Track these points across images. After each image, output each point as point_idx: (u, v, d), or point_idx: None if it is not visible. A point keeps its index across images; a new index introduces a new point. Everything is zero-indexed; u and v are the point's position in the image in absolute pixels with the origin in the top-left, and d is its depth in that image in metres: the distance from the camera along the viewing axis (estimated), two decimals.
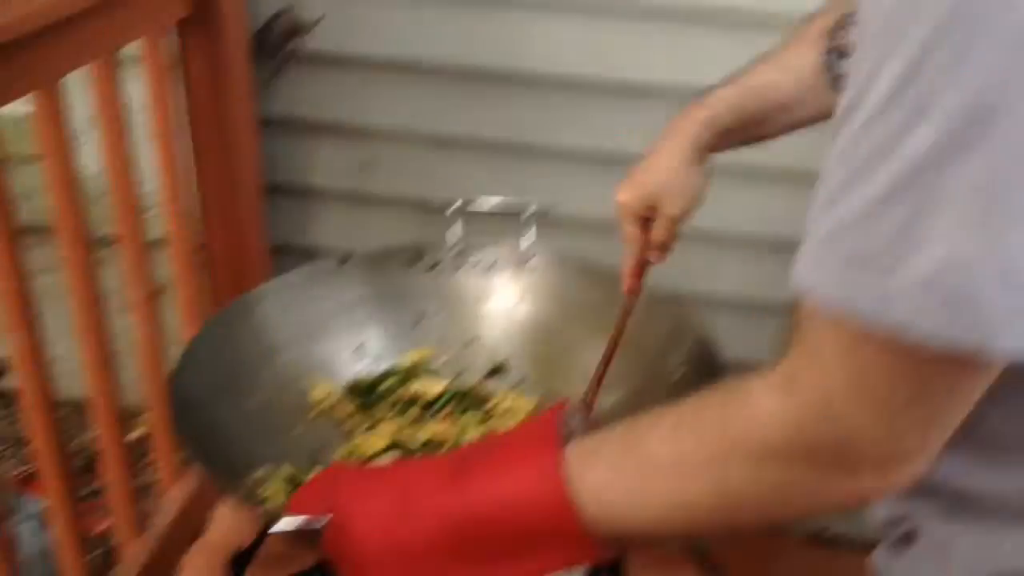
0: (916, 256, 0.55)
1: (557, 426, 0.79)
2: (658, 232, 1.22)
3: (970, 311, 0.55)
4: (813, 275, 0.61)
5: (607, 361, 1.25)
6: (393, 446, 1.32)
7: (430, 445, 1.32)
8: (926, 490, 0.79)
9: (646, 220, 1.22)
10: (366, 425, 1.36)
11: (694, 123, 1.18)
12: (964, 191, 0.53)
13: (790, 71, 1.16)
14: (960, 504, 0.80)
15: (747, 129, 1.19)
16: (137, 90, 1.57)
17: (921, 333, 0.56)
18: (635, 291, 1.28)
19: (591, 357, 1.30)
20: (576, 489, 0.74)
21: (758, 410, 0.67)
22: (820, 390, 0.63)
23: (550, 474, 0.74)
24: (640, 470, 0.72)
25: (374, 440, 1.32)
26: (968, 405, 0.63)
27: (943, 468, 0.69)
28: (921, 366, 0.59)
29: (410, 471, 0.83)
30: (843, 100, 0.60)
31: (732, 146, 1.22)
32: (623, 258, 1.26)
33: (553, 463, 0.75)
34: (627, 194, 1.21)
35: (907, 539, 0.87)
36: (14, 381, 1.34)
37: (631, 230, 1.23)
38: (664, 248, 1.24)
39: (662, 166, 1.19)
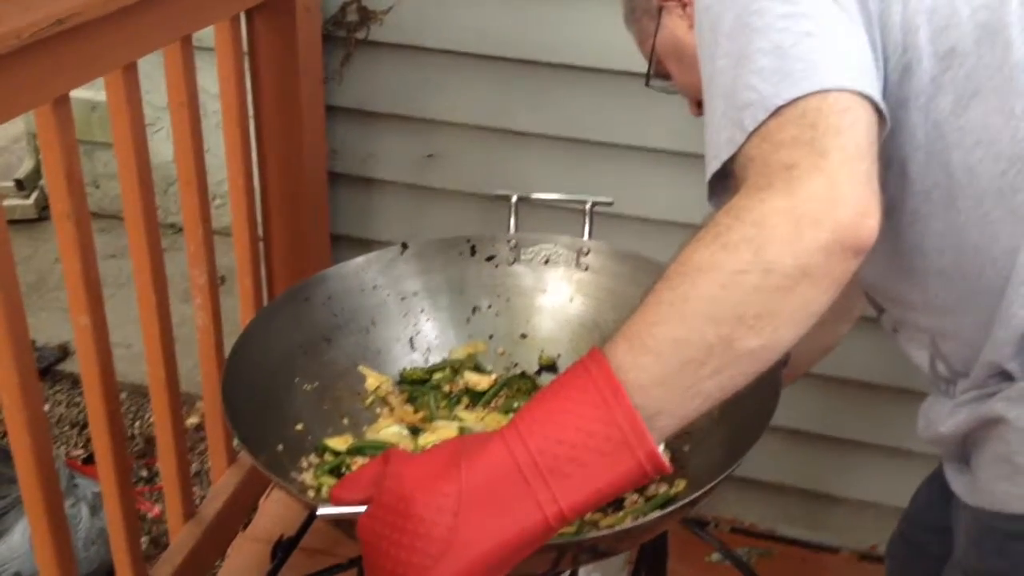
0: (749, 73, 0.81)
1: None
2: None
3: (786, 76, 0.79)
4: (725, 149, 0.82)
5: None
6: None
7: None
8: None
9: None
10: (421, 415, 1.36)
11: None
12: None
13: None
14: None
15: None
16: (207, 80, 1.58)
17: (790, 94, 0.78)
18: None
19: None
20: (616, 370, 0.77)
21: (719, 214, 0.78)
22: (766, 171, 0.78)
23: (600, 363, 0.78)
24: (648, 324, 0.79)
25: (443, 431, 1.31)
26: (855, 137, 0.77)
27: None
28: (812, 117, 0.78)
29: (463, 437, 0.86)
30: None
31: None
32: None
33: (600, 360, 0.79)
34: None
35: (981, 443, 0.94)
36: (76, 364, 1.36)
37: None
38: None
39: None
